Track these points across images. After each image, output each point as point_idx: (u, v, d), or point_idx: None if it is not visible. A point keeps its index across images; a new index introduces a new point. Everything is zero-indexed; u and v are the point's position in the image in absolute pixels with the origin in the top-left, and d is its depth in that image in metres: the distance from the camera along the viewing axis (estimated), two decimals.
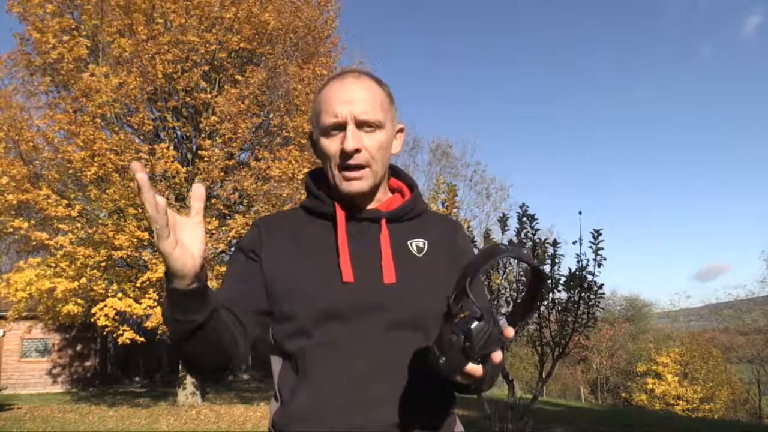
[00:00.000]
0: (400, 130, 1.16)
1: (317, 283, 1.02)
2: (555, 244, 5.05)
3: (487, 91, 66.90)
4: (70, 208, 10.65)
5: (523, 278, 5.13)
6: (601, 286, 4.96)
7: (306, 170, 11.47)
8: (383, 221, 1.08)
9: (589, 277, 4.93)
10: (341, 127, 1.04)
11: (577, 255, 4.97)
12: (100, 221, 11.08)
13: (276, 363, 1.10)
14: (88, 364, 17.52)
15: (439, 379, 0.84)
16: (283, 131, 12.55)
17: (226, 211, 12.81)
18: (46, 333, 16.33)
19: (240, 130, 11.51)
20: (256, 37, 12.30)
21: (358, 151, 1.03)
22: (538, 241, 5.05)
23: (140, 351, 17.31)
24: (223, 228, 11.84)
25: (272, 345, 1.10)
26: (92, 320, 10.93)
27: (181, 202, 12.28)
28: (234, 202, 13.34)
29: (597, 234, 4.84)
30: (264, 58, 12.63)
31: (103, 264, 11.01)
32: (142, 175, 0.74)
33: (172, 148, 11.53)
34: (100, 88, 10.40)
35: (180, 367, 13.21)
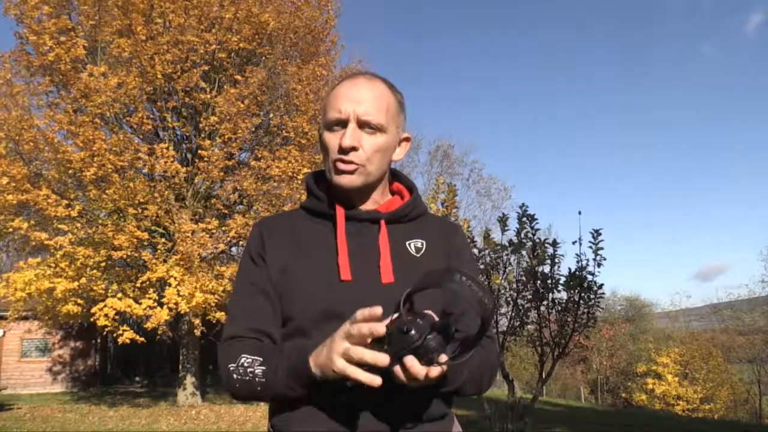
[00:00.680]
0: (406, 139, 1.17)
1: (316, 283, 1.03)
2: (555, 244, 5.04)
3: (487, 92, 66.88)
4: (69, 208, 10.63)
5: (523, 278, 5.13)
6: (601, 286, 4.96)
7: (306, 170, 11.53)
8: (383, 222, 1.09)
9: (589, 277, 4.93)
10: (343, 123, 1.05)
11: (577, 255, 4.97)
12: (99, 221, 11.07)
13: None
14: (88, 363, 17.52)
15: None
16: (283, 131, 12.55)
17: (226, 211, 12.81)
18: (46, 333, 16.32)
19: (240, 130, 11.51)
20: (256, 37, 12.29)
21: (354, 149, 1.04)
22: (537, 241, 5.05)
23: (140, 351, 17.32)
24: (223, 228, 11.84)
25: None
26: (92, 320, 10.91)
27: (181, 201, 12.28)
28: (234, 202, 13.35)
29: (597, 234, 4.83)
30: (264, 58, 12.62)
31: (103, 264, 11.00)
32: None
33: (171, 148, 11.53)
34: (99, 89, 10.39)
35: (180, 367, 13.22)
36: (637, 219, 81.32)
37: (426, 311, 0.85)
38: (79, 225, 10.96)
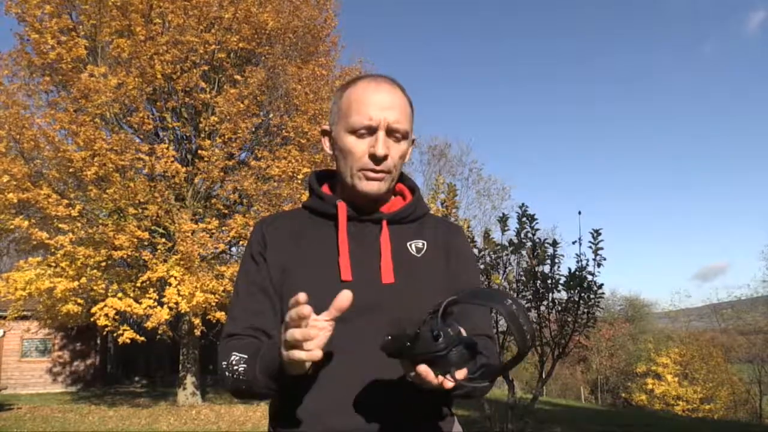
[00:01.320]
0: (412, 141, 1.18)
1: (316, 283, 1.03)
2: (555, 244, 5.04)
3: (488, 92, 66.86)
4: (70, 208, 10.63)
5: (523, 278, 5.12)
6: (600, 286, 4.95)
7: (306, 170, 11.52)
8: (384, 222, 1.09)
9: (589, 277, 4.92)
10: (372, 130, 1.05)
11: (577, 255, 4.96)
12: (100, 221, 11.07)
13: None
14: (88, 364, 17.52)
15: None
16: (283, 131, 12.55)
17: (226, 211, 12.82)
18: (46, 333, 16.32)
19: (240, 130, 11.51)
20: (255, 37, 12.29)
21: (385, 157, 1.05)
22: (537, 241, 5.04)
23: (140, 351, 17.32)
24: (223, 228, 11.84)
25: None
26: (92, 320, 10.91)
27: (181, 201, 12.28)
28: (234, 201, 13.35)
29: (596, 234, 4.83)
30: (263, 58, 12.62)
31: (103, 264, 10.99)
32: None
33: (171, 148, 11.53)
34: (99, 89, 10.39)
35: (180, 367, 13.22)
36: (637, 219, 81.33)
37: (456, 324, 0.83)
38: (79, 224, 10.96)
